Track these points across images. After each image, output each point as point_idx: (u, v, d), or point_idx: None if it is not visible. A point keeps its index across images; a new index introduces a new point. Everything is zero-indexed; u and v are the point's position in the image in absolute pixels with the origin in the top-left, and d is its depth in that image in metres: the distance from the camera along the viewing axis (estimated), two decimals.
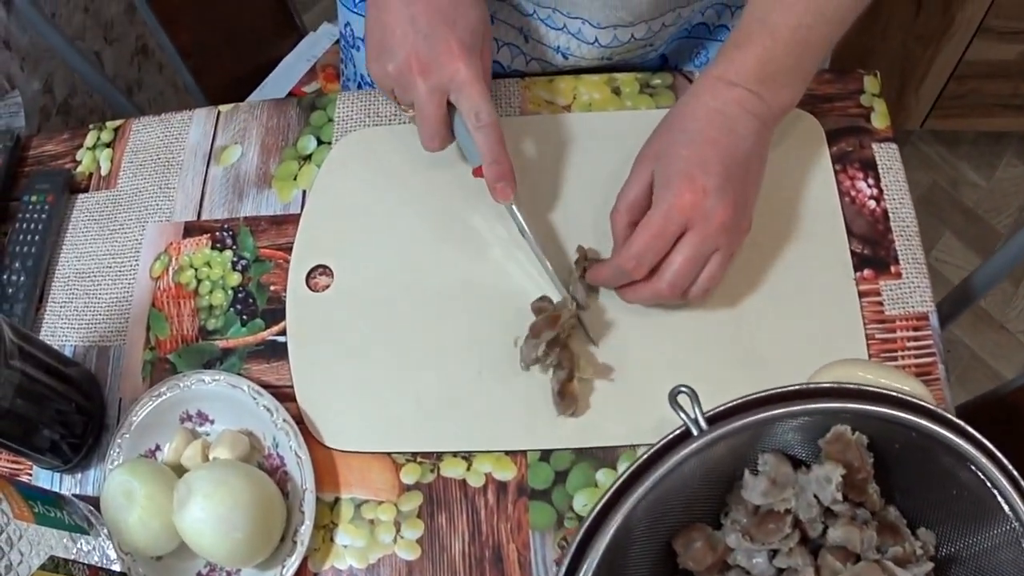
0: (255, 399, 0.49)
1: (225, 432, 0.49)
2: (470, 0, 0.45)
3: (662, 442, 0.39)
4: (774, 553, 0.40)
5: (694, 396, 0.38)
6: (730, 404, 0.39)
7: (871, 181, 0.51)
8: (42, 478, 0.54)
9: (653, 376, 0.47)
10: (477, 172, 0.47)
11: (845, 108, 0.52)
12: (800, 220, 0.50)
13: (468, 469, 0.47)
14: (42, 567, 0.45)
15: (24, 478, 0.55)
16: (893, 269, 0.49)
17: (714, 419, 0.39)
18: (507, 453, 0.47)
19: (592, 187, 0.51)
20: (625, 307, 0.48)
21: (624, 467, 0.45)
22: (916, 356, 0.47)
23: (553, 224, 0.51)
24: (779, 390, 0.39)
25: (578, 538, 0.38)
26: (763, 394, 0.39)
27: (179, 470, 0.50)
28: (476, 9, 0.45)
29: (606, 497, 0.38)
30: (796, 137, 0.51)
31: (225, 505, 0.44)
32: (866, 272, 0.49)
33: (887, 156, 0.51)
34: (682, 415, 0.38)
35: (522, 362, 0.47)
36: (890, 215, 0.50)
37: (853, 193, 0.51)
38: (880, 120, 0.52)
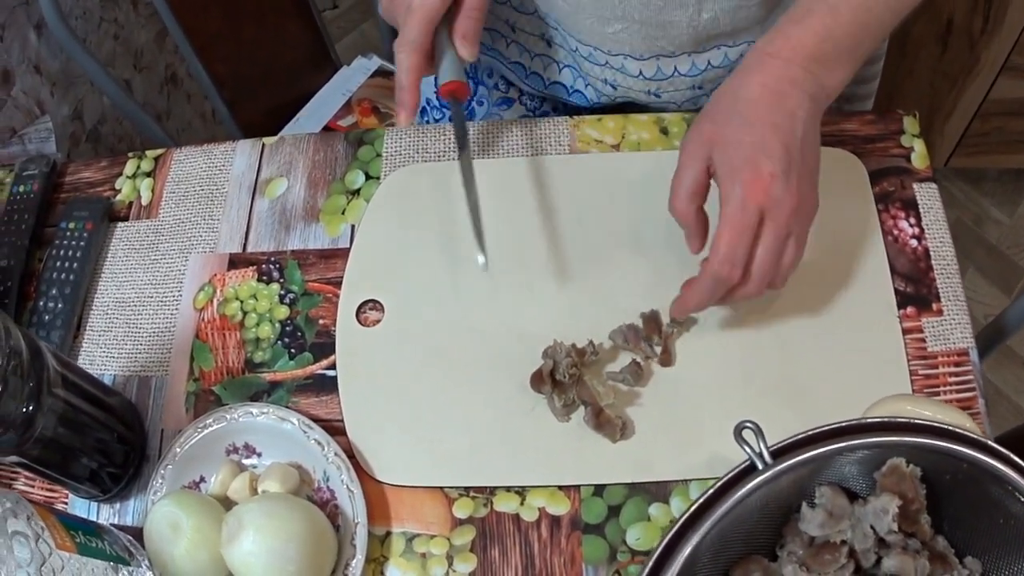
0: (305, 432, 0.52)
1: (274, 465, 0.52)
2: None
3: (727, 476, 0.42)
4: None
5: (759, 431, 0.42)
6: (793, 439, 0.42)
7: (912, 220, 0.55)
8: (78, 508, 0.56)
9: (703, 412, 0.50)
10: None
11: (887, 149, 0.56)
12: (846, 258, 0.54)
13: (522, 504, 0.50)
14: None
15: (59, 507, 0.57)
16: (935, 306, 0.53)
17: (777, 453, 0.42)
18: (560, 488, 0.49)
19: (642, 226, 0.54)
20: (677, 350, 0.51)
21: (676, 502, 0.49)
22: (957, 391, 0.51)
23: (604, 262, 0.54)
24: (839, 425, 0.42)
25: (646, 572, 0.41)
26: (824, 428, 0.42)
27: (225, 503, 0.52)
28: None
29: (674, 530, 0.41)
30: (841, 177, 0.55)
31: (278, 538, 0.47)
32: (909, 309, 0.53)
33: (927, 196, 0.55)
34: (747, 449, 0.42)
35: (558, 418, 0.50)
36: (931, 253, 0.54)
37: (896, 232, 0.55)
38: (920, 160, 0.56)
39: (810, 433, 0.42)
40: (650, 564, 0.40)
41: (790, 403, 0.50)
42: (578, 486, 0.49)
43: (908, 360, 0.51)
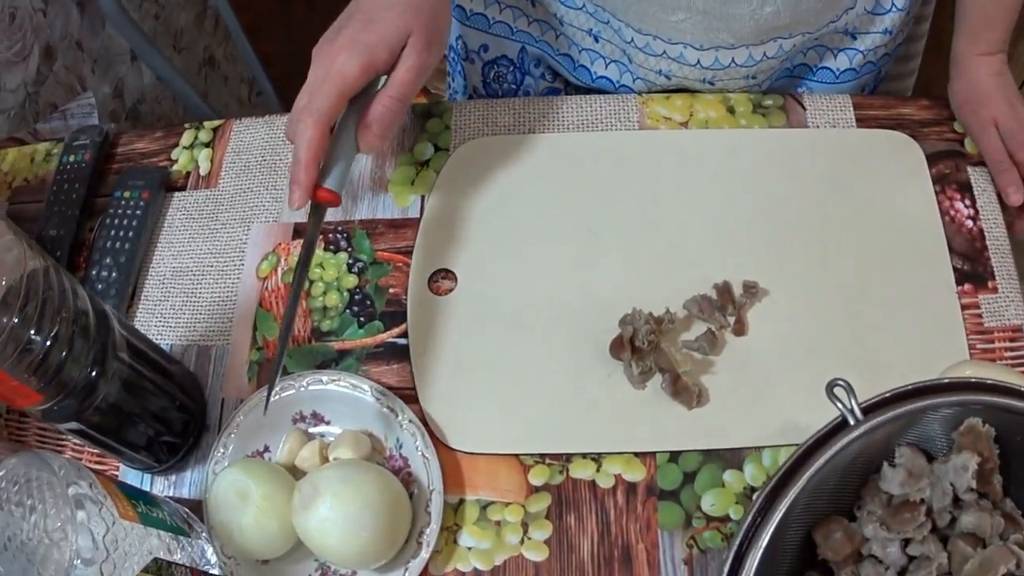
0: (378, 399, 0.50)
1: (346, 432, 0.50)
2: (403, 5, 0.45)
3: (816, 435, 0.41)
4: (906, 542, 0.43)
5: (850, 388, 0.41)
6: (880, 397, 0.42)
7: (967, 202, 0.55)
8: (130, 479, 0.53)
9: (775, 381, 0.50)
10: None
11: (941, 133, 0.57)
12: (907, 236, 0.54)
13: (598, 470, 0.48)
14: (145, 570, 0.44)
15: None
16: (990, 284, 0.53)
17: (867, 410, 0.41)
18: (636, 454, 0.48)
19: (713, 200, 0.54)
20: (749, 320, 0.51)
21: (750, 468, 0.48)
22: (1012, 365, 0.51)
23: (676, 234, 0.53)
24: (923, 384, 0.42)
25: (743, 529, 0.39)
26: (909, 387, 0.42)
27: (292, 471, 0.50)
28: (400, 18, 0.45)
29: (769, 487, 0.40)
30: (900, 158, 0.55)
31: (354, 504, 0.45)
32: (966, 286, 0.53)
33: (981, 179, 0.56)
34: (839, 405, 0.41)
35: (634, 385, 0.49)
36: (985, 234, 0.54)
37: (952, 212, 0.55)
38: (973, 145, 0.57)
39: (896, 391, 0.42)
40: (747, 521, 0.39)
41: (858, 373, 0.49)
42: (654, 453, 0.48)
43: (967, 335, 0.51)
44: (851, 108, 0.56)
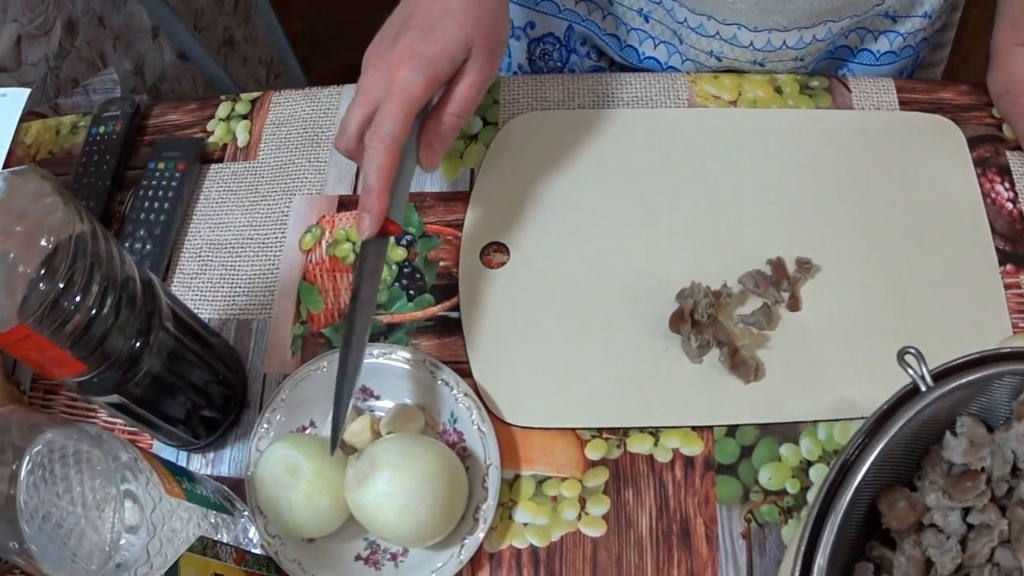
0: (432, 373, 0.48)
1: (399, 406, 0.48)
2: (464, 13, 0.43)
3: (890, 401, 0.41)
4: (966, 512, 0.42)
5: (920, 356, 0.41)
6: (947, 365, 0.42)
7: (1007, 185, 0.55)
8: (164, 456, 0.51)
9: (829, 357, 0.49)
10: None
11: (981, 118, 0.57)
12: (950, 218, 0.54)
13: (655, 444, 0.47)
14: (190, 548, 0.42)
15: None
16: None
17: (937, 377, 0.41)
18: (694, 428, 0.47)
19: (763, 180, 0.53)
20: (806, 303, 0.50)
21: (806, 442, 0.47)
22: None
23: (727, 211, 0.53)
24: (991, 352, 0.42)
25: (820, 497, 0.39)
26: (973, 356, 0.42)
27: (342, 447, 0.48)
28: (462, 28, 0.43)
29: (843, 457, 0.39)
30: (942, 143, 0.56)
31: (414, 478, 0.43)
32: (1008, 267, 0.53)
33: (1020, 163, 0.56)
34: (910, 372, 0.41)
35: (691, 359, 0.49)
36: None
37: (993, 195, 0.55)
38: (1011, 131, 0.57)
39: (964, 359, 0.42)
40: (824, 488, 0.39)
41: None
42: (711, 427, 0.47)
43: (1009, 313, 0.52)
44: (894, 91, 0.57)
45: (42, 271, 0.39)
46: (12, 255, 0.39)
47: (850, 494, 0.38)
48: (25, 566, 0.37)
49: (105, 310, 0.41)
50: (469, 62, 0.44)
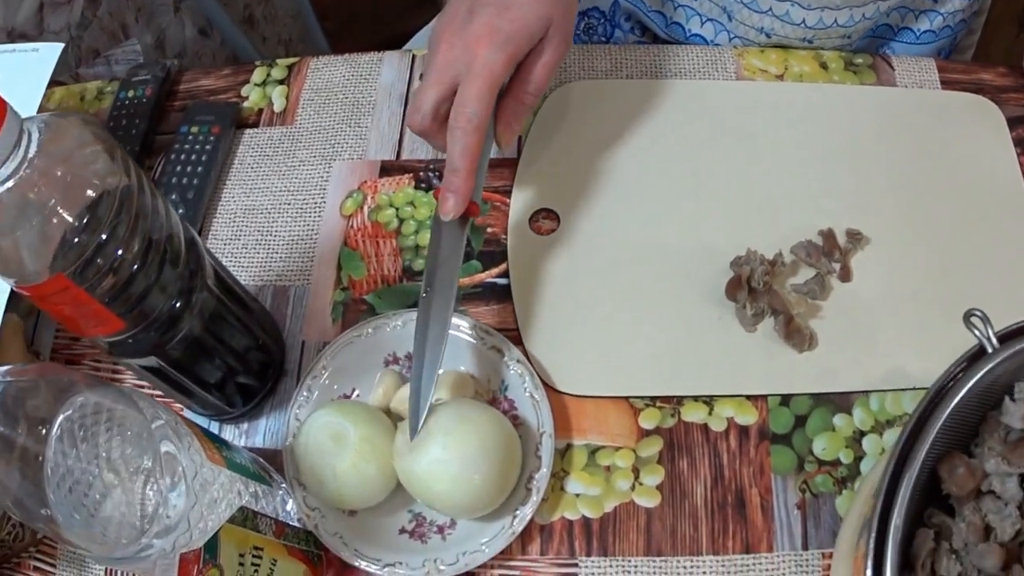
0: (482, 339, 0.46)
1: (447, 372, 0.46)
2: None
3: (956, 365, 0.40)
4: (1022, 478, 0.42)
5: (986, 318, 0.40)
6: (1017, 325, 0.41)
7: None
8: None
9: (880, 327, 0.48)
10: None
11: (1019, 99, 0.57)
12: (991, 195, 0.53)
13: (710, 413, 0.46)
14: (231, 519, 0.40)
15: None
16: None
17: (1002, 339, 0.40)
18: (748, 398, 0.46)
19: (810, 153, 0.52)
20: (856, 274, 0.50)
21: (859, 412, 0.46)
22: None
23: (777, 181, 0.52)
24: None
25: (892, 461, 0.38)
26: None
27: (387, 416, 0.46)
28: (541, 5, 0.41)
29: (913, 420, 0.38)
30: (983, 122, 0.55)
31: (470, 444, 0.41)
32: None
33: None
34: (976, 333, 0.40)
35: (745, 328, 0.47)
36: None
37: None
38: None
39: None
40: (896, 452, 0.38)
41: (955, 321, 0.49)
42: (765, 396, 0.46)
43: None
44: (935, 71, 0.56)
45: (84, 220, 0.37)
46: (52, 201, 0.36)
47: (923, 453, 0.37)
48: (52, 534, 0.34)
49: (147, 266, 0.39)
50: (546, 40, 0.43)
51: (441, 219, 0.42)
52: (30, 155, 0.35)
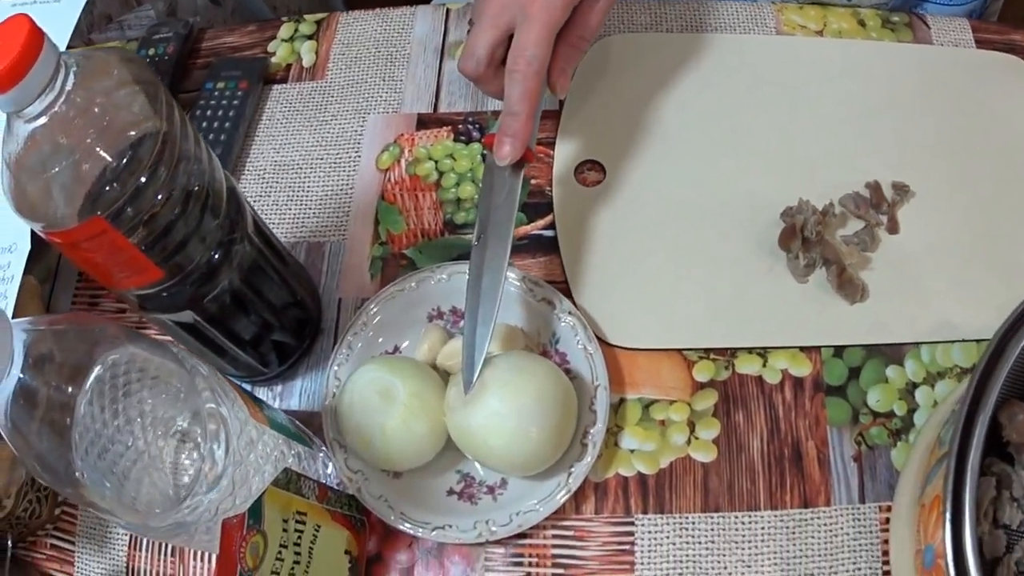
0: (532, 291, 0.44)
1: (498, 325, 0.44)
2: None
3: (1017, 313, 0.39)
4: None
5: None
6: None
7: None
8: None
9: (929, 279, 0.47)
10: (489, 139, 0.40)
11: None
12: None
13: (764, 365, 0.44)
14: (274, 482, 0.37)
15: None
16: None
17: None
18: (801, 349, 0.45)
19: (852, 108, 0.51)
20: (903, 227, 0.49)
21: (911, 364, 0.44)
22: None
23: (820, 135, 0.51)
24: None
25: (965, 408, 0.36)
26: None
27: (435, 370, 0.44)
28: None
29: (980, 369, 0.37)
30: (1016, 82, 0.55)
31: (528, 395, 0.39)
32: None
33: None
34: None
35: (797, 278, 0.46)
36: None
37: None
38: None
39: None
40: (969, 397, 0.36)
41: (998, 276, 0.48)
42: (819, 348, 0.45)
43: None
44: (969, 31, 0.56)
45: (122, 161, 0.34)
46: (88, 140, 0.33)
47: (993, 400, 0.36)
48: (81, 500, 0.31)
49: (187, 214, 0.36)
50: None
51: (495, 165, 0.40)
52: (67, 90, 0.32)
